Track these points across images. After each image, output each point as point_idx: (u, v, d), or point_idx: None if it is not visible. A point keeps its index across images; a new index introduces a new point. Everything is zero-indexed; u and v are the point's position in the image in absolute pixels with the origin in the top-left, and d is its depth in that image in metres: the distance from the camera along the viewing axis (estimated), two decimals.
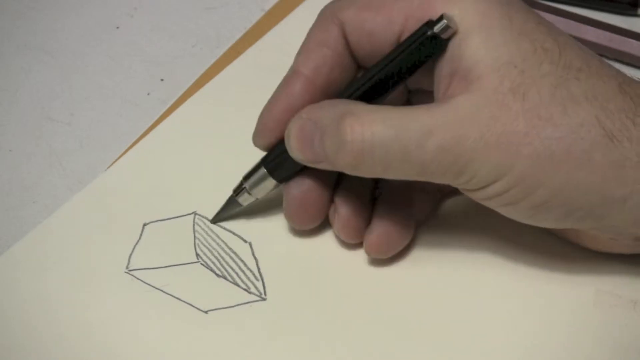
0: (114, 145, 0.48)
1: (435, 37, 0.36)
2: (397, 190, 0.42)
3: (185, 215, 0.44)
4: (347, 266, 0.42)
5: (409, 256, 0.42)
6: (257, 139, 0.41)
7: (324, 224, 0.42)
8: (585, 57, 0.36)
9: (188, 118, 0.48)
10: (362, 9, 0.39)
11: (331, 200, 0.41)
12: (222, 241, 0.43)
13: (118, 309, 0.40)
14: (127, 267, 0.42)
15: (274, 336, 0.39)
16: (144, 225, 0.43)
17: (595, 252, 0.40)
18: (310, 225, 0.42)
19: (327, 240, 0.43)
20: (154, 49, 0.54)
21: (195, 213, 0.44)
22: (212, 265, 0.42)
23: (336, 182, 0.42)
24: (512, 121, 0.35)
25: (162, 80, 0.52)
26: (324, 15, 0.40)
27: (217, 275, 0.42)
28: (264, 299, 0.41)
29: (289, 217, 0.42)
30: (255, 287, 0.41)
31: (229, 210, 0.43)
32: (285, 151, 0.39)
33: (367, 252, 0.41)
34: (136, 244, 0.43)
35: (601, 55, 0.39)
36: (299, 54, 0.40)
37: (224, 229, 0.43)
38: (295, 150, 0.38)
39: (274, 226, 0.43)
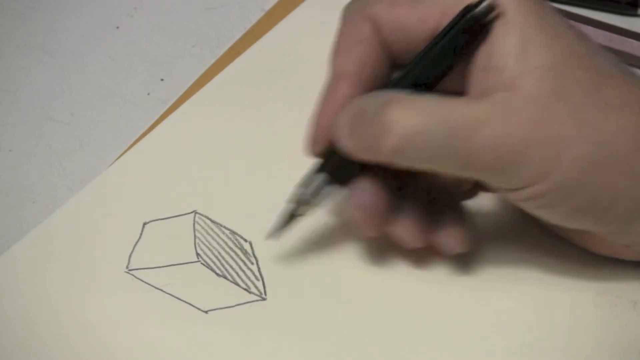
0: (114, 145, 0.48)
1: (478, 18, 0.35)
2: (442, 193, 0.41)
3: (185, 215, 0.44)
4: (348, 266, 0.42)
5: (410, 255, 0.42)
6: (312, 146, 0.39)
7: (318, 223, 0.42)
8: (614, 63, 0.36)
9: (188, 118, 0.48)
10: (393, 5, 0.38)
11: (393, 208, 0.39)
12: (223, 240, 0.43)
13: (118, 309, 0.40)
14: (127, 267, 0.42)
15: (274, 336, 0.39)
16: (144, 224, 0.43)
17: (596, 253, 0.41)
18: (376, 230, 0.39)
19: (327, 241, 0.43)
20: (154, 49, 0.54)
21: (195, 212, 0.44)
22: (212, 264, 0.42)
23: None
24: (555, 123, 0.34)
25: (162, 80, 0.52)
26: (353, 14, 0.39)
27: (217, 274, 0.42)
28: (264, 299, 0.41)
29: (358, 224, 0.39)
30: (256, 287, 0.41)
31: (288, 223, 0.41)
32: (344, 153, 0.38)
33: (451, 250, 0.40)
34: (136, 243, 0.43)
35: None
36: (337, 55, 0.39)
37: (225, 228, 0.43)
38: (344, 137, 0.37)
39: None
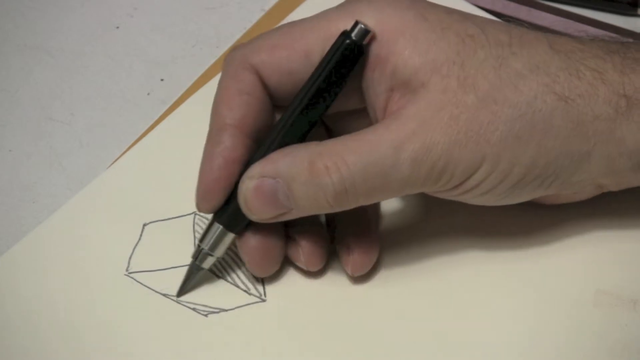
0: (114, 145, 0.48)
1: (355, 44, 0.36)
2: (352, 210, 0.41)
3: (185, 215, 0.44)
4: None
5: (409, 258, 0.42)
6: (202, 204, 0.39)
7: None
8: (508, 30, 0.37)
9: (188, 118, 0.48)
10: (275, 50, 0.38)
11: (285, 240, 0.40)
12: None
13: (117, 311, 0.40)
14: (127, 270, 0.42)
15: (274, 338, 0.39)
16: (144, 225, 0.43)
17: (595, 252, 0.41)
18: (273, 270, 0.40)
19: None
20: (154, 49, 0.54)
21: (195, 213, 0.44)
22: (212, 267, 0.42)
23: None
24: (472, 115, 0.35)
25: (162, 80, 0.52)
26: (234, 64, 0.39)
27: (217, 276, 0.42)
28: (264, 301, 0.41)
29: (252, 269, 0.40)
30: (256, 289, 0.41)
31: (194, 278, 0.41)
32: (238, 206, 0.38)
33: (352, 272, 0.40)
34: (136, 244, 0.43)
35: None
36: (218, 106, 0.39)
37: None
38: (257, 212, 0.37)
39: None
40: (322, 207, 0.37)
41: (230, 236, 0.39)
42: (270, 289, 0.41)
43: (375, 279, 0.41)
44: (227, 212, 0.39)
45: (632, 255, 0.41)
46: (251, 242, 0.39)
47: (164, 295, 0.41)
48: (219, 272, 0.42)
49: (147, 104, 0.51)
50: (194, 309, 0.40)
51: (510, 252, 0.41)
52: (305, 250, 0.40)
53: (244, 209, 0.38)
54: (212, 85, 0.50)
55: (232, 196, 0.38)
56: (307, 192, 0.36)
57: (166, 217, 0.44)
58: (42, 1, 0.57)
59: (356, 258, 0.40)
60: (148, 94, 0.51)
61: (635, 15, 0.53)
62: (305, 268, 0.41)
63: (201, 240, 0.40)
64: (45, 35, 0.55)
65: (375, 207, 0.43)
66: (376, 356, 0.39)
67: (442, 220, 0.43)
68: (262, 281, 0.41)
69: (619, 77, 0.36)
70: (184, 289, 0.41)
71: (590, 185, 0.39)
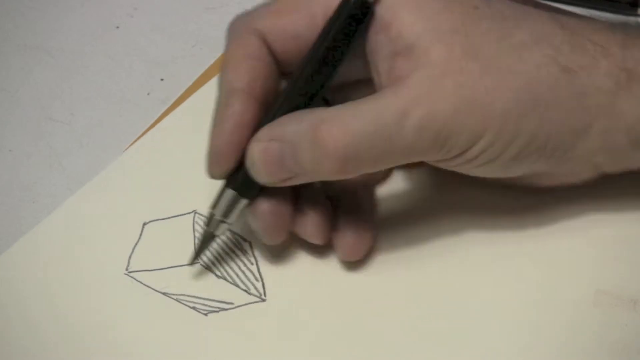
0: (114, 145, 0.48)
1: (361, 2, 0.36)
2: (350, 193, 0.41)
3: (185, 214, 0.44)
4: (347, 267, 0.41)
5: (408, 257, 0.42)
6: (213, 169, 0.39)
7: None
8: (512, 5, 0.37)
9: (188, 117, 0.48)
10: (279, 15, 0.38)
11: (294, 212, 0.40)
12: (222, 241, 0.43)
13: (117, 311, 0.40)
14: (126, 269, 0.42)
15: (274, 337, 0.39)
16: (144, 224, 0.43)
17: (594, 250, 0.41)
18: (283, 237, 0.40)
19: None
20: (154, 49, 0.54)
21: (195, 212, 0.44)
22: (212, 266, 0.42)
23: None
24: (476, 83, 0.35)
25: (162, 80, 0.52)
26: (239, 29, 0.39)
27: (217, 276, 0.42)
28: (263, 300, 0.41)
29: (265, 233, 0.40)
30: (255, 288, 0.41)
31: (206, 245, 0.41)
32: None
33: (343, 257, 0.40)
34: (136, 243, 0.43)
35: None
36: (226, 72, 0.39)
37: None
38: (264, 175, 0.37)
39: None
40: (327, 172, 0.36)
41: (242, 202, 0.39)
42: (270, 288, 0.41)
43: (375, 279, 0.41)
44: (239, 177, 0.39)
45: (632, 255, 0.41)
46: (263, 207, 0.39)
47: (164, 294, 0.41)
48: (219, 271, 0.42)
49: (147, 104, 0.51)
50: (193, 308, 0.40)
51: (510, 252, 0.41)
52: (311, 221, 0.40)
53: (252, 172, 0.38)
54: (212, 85, 0.50)
55: (243, 162, 0.38)
56: (312, 157, 0.36)
57: (166, 216, 0.44)
58: (42, 1, 0.57)
59: (349, 242, 0.40)
60: (148, 93, 0.51)
61: (635, 15, 0.53)
62: (309, 240, 0.40)
63: (213, 207, 0.40)
64: (45, 35, 0.55)
65: (371, 192, 0.43)
66: (376, 355, 0.39)
67: (442, 212, 0.43)
68: (262, 281, 0.41)
69: (620, 51, 0.37)
70: (197, 256, 0.41)
71: (587, 163, 0.39)
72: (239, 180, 0.39)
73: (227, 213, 0.39)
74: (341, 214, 0.41)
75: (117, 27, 0.55)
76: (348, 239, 0.40)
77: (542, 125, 0.36)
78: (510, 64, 0.36)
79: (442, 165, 0.38)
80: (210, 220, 0.40)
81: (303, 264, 0.42)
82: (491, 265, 0.41)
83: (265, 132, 0.37)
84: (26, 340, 0.40)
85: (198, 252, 0.41)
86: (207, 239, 0.41)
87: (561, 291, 0.40)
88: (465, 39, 0.36)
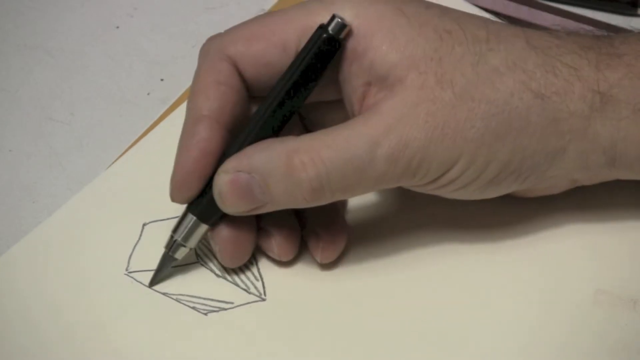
0: (114, 145, 0.48)
1: (332, 38, 0.36)
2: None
3: None
4: (347, 266, 0.41)
5: (407, 258, 0.42)
6: (176, 195, 0.39)
7: None
8: (485, 25, 0.37)
9: None
10: (252, 42, 0.38)
11: (257, 232, 0.40)
12: None
13: (117, 311, 0.40)
14: (126, 269, 0.42)
15: (274, 336, 0.39)
16: (144, 225, 0.43)
17: (594, 250, 0.41)
18: (244, 260, 0.41)
19: None
20: (154, 49, 0.54)
21: None
22: (211, 265, 0.42)
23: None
24: (449, 111, 0.36)
25: (162, 80, 0.52)
26: (210, 55, 0.39)
27: (217, 275, 0.42)
28: (263, 300, 0.41)
29: (223, 259, 0.40)
30: (255, 288, 0.41)
31: (166, 268, 0.41)
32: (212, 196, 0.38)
33: (321, 260, 0.40)
34: (136, 244, 0.43)
35: None
36: (195, 96, 0.39)
37: None
38: (231, 206, 0.37)
39: None
40: (298, 202, 0.37)
41: (203, 227, 0.39)
42: (270, 288, 0.41)
43: (375, 279, 0.41)
44: (201, 203, 0.39)
45: (632, 255, 0.41)
46: (224, 233, 0.39)
47: (164, 294, 0.41)
48: (218, 271, 0.42)
49: (147, 104, 0.51)
50: (193, 308, 0.40)
51: (510, 252, 0.41)
52: (277, 240, 0.40)
53: (219, 203, 0.38)
54: None
55: (206, 188, 0.38)
56: (284, 188, 0.36)
57: (166, 217, 0.44)
58: (42, 1, 0.57)
59: (324, 246, 0.40)
60: (148, 93, 0.51)
61: (635, 15, 0.53)
62: (277, 258, 0.41)
63: (174, 230, 0.40)
64: (45, 35, 0.55)
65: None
66: (376, 355, 0.39)
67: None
68: (262, 280, 0.41)
69: (594, 74, 0.37)
70: (155, 279, 0.41)
71: (564, 179, 0.39)
72: (201, 207, 0.39)
73: (187, 237, 0.40)
74: (314, 218, 0.41)
75: (117, 27, 0.55)
76: (323, 243, 0.40)
77: (515, 151, 0.36)
78: (483, 91, 0.36)
79: (418, 190, 0.38)
80: (170, 244, 0.40)
81: (303, 263, 0.42)
82: (491, 266, 0.41)
83: (232, 163, 0.37)
84: (26, 340, 0.40)
85: (156, 275, 0.41)
86: (166, 261, 0.41)
87: (561, 291, 0.40)
88: (439, 66, 0.36)
